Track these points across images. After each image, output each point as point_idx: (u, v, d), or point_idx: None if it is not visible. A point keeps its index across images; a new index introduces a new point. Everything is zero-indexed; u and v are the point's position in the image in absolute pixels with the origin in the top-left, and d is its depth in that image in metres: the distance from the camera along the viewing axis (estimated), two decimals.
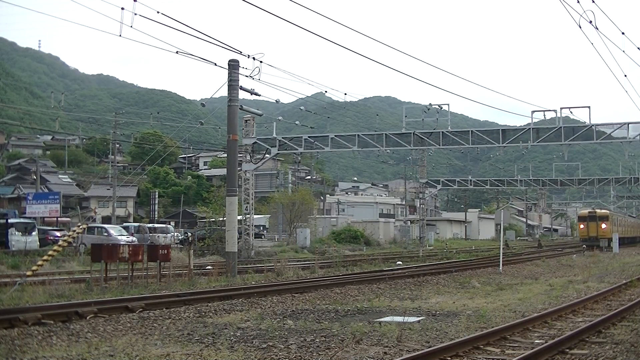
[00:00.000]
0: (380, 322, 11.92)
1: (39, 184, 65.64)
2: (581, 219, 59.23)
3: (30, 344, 9.69)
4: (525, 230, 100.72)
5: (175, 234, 47.38)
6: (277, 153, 38.63)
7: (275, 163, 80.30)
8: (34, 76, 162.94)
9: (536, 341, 10.28)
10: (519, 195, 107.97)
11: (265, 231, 64.58)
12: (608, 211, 61.12)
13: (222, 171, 72.74)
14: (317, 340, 9.98)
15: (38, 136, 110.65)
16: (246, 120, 37.18)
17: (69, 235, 20.60)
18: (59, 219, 52.77)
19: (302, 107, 48.96)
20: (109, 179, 72.21)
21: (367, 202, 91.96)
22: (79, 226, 22.11)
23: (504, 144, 35.01)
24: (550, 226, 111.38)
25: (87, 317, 12.32)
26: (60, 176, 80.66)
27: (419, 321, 12.13)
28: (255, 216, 46.68)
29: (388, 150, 38.45)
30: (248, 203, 37.41)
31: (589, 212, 58.40)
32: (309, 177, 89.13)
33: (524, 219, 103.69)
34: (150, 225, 49.55)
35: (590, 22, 17.99)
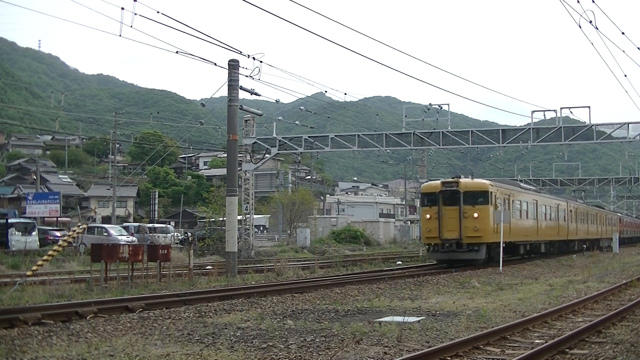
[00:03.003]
0: (380, 322, 11.91)
1: (39, 184, 65.67)
2: (428, 199, 29.17)
3: (30, 344, 9.69)
4: None
5: (175, 234, 47.43)
6: (277, 153, 38.63)
7: (275, 163, 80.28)
8: (34, 76, 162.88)
9: (536, 341, 10.28)
10: None
11: (265, 231, 64.53)
12: (488, 181, 30.44)
13: (222, 171, 72.75)
14: (317, 340, 9.98)
15: (38, 136, 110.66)
16: (246, 120, 37.19)
17: (69, 235, 20.60)
18: (59, 219, 52.84)
19: (302, 107, 48.99)
20: (109, 179, 72.24)
21: (367, 202, 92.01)
22: (79, 226, 22.12)
23: (504, 144, 35.03)
24: None
25: (87, 317, 12.32)
26: (60, 176, 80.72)
27: (419, 321, 12.12)
28: (255, 216, 46.70)
29: (388, 150, 38.49)
30: (248, 203, 37.44)
31: (444, 182, 29.10)
32: (309, 177, 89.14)
33: None
34: (150, 225, 49.59)
35: (590, 22, 18.01)
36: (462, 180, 28.70)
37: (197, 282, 20.45)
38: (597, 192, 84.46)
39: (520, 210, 32.77)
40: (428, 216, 28.28)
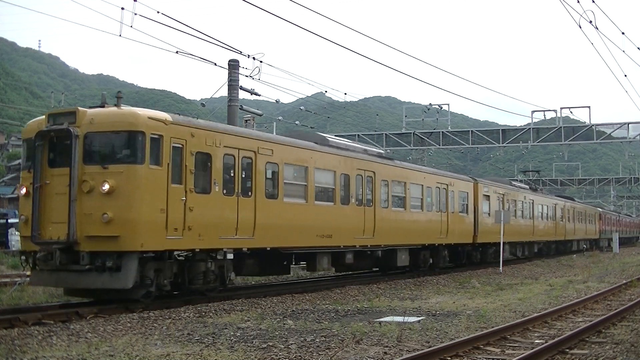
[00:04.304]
0: (380, 322, 11.91)
1: None
2: (28, 155, 13.89)
3: (30, 344, 9.68)
4: None
5: None
6: None
7: None
8: (34, 76, 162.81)
9: (536, 341, 10.28)
10: None
11: None
12: (147, 112, 13.52)
13: None
14: (317, 340, 9.98)
15: None
16: (246, 120, 37.04)
17: None
18: None
19: (302, 107, 48.89)
20: None
21: None
22: None
23: (504, 144, 35.11)
24: None
25: (87, 317, 12.32)
26: None
27: (419, 321, 12.12)
28: None
29: (388, 150, 38.48)
30: None
31: (52, 114, 13.77)
32: None
33: None
34: None
35: (590, 22, 18.00)
36: (89, 110, 13.36)
37: None
38: (597, 192, 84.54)
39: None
40: (24, 191, 13.69)
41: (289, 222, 16.58)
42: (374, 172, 20.37)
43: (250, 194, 15.35)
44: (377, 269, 23.29)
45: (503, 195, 31.27)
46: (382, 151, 23.38)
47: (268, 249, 16.09)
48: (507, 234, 30.00)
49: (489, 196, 29.62)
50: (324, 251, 18.36)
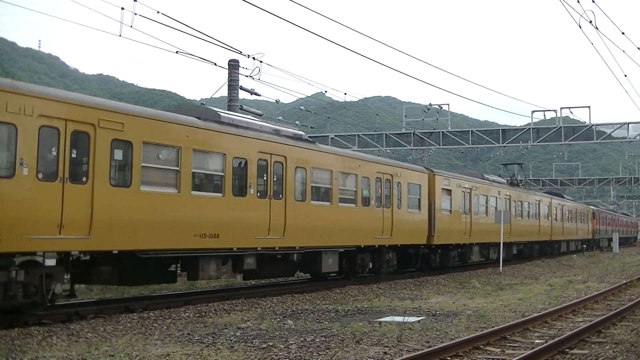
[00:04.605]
0: (380, 322, 11.92)
1: None
2: None
3: (30, 344, 9.68)
4: None
5: None
6: None
7: None
8: (34, 76, 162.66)
9: (536, 341, 10.29)
10: None
11: None
12: None
13: None
14: (317, 340, 9.98)
15: None
16: None
17: None
18: None
19: (302, 107, 48.88)
20: None
21: None
22: None
23: (504, 144, 35.11)
24: None
25: (87, 317, 12.32)
26: None
27: (419, 321, 12.13)
28: None
29: (388, 150, 38.50)
30: None
31: None
32: None
33: None
34: None
35: (590, 22, 18.00)
36: None
37: (197, 282, 20.41)
38: (597, 192, 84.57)
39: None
40: None
41: (148, 218, 12.93)
42: (284, 157, 16.57)
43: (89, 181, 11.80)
44: (309, 274, 20.36)
45: (470, 189, 27.49)
46: (301, 133, 18.94)
47: (115, 252, 12.52)
48: (477, 233, 27.46)
49: (450, 190, 25.66)
50: (209, 255, 14.60)
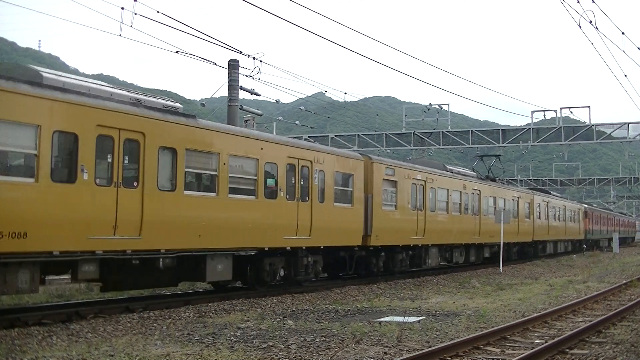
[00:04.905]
0: (380, 322, 11.92)
1: None
2: None
3: (30, 344, 9.69)
4: None
5: None
6: None
7: None
8: None
9: (536, 341, 10.29)
10: None
11: None
12: None
13: None
14: (317, 340, 9.98)
15: None
16: (246, 120, 37.01)
17: None
18: None
19: (302, 107, 48.90)
20: None
21: None
22: None
23: (504, 144, 35.14)
24: None
25: (87, 317, 12.32)
26: None
27: (419, 321, 12.13)
28: None
29: (388, 150, 38.53)
30: None
31: None
32: None
33: None
34: None
35: (590, 22, 18.00)
36: None
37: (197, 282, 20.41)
38: (597, 192, 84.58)
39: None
40: None
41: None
42: (143, 134, 12.84)
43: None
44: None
45: (424, 181, 23.45)
46: (178, 105, 14.68)
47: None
48: (434, 233, 23.78)
49: (395, 182, 21.75)
50: (14, 261, 10.82)
